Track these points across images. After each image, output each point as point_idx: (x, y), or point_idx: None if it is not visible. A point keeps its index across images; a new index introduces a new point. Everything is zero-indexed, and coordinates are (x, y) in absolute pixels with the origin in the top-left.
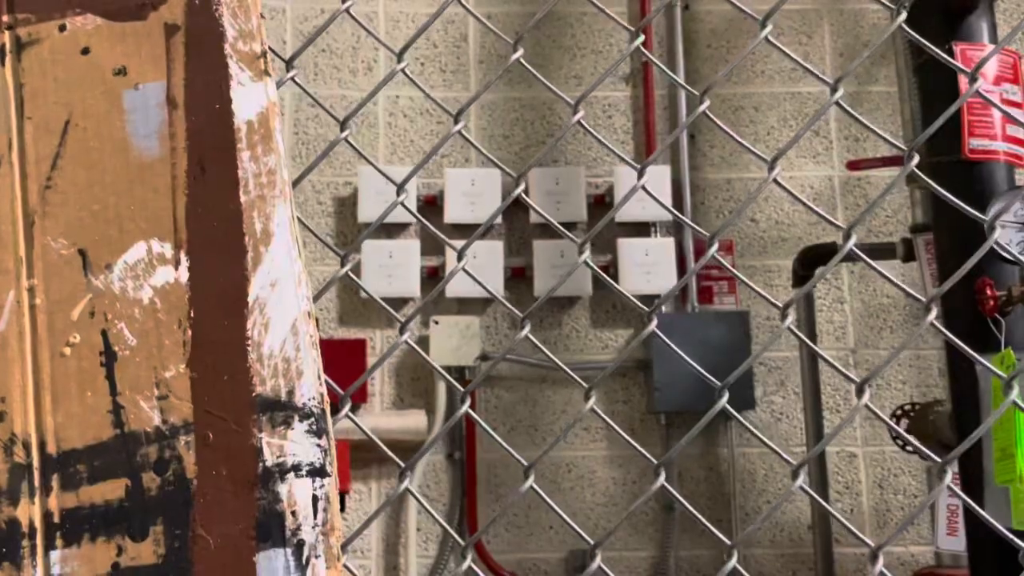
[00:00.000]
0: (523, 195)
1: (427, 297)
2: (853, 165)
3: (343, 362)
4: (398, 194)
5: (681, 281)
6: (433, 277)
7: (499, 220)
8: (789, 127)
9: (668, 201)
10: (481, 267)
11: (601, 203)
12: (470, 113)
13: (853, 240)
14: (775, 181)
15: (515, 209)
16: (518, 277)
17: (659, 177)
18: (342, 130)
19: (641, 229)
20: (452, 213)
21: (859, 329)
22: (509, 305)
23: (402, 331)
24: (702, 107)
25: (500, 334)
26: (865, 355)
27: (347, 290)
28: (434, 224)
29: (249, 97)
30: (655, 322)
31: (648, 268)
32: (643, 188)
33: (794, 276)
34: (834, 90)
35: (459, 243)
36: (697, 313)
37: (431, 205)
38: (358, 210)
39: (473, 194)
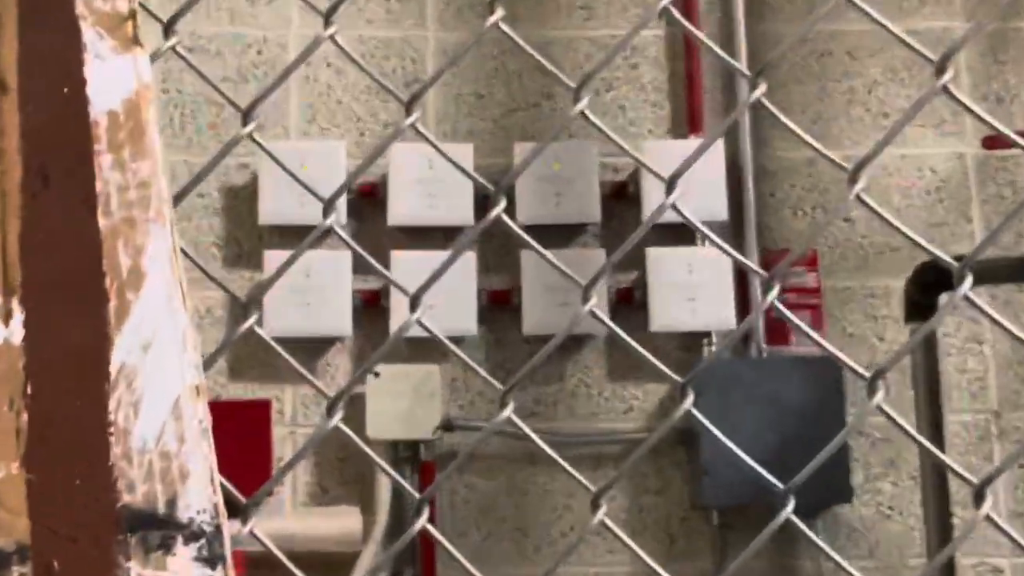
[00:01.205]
0: (504, 215)
1: (361, 371)
2: (991, 142)
3: (237, 436)
4: (326, 214)
5: (743, 325)
6: (372, 306)
7: (470, 220)
8: (900, 82)
9: (721, 193)
10: (444, 292)
11: (622, 195)
12: (427, 85)
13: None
14: (858, 198)
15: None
16: (499, 305)
17: (711, 161)
18: (245, 121)
19: (682, 233)
20: (400, 209)
21: (1006, 382)
22: (482, 372)
23: (330, 411)
24: (756, 93)
25: (472, 391)
26: (1014, 420)
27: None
28: (374, 224)
29: (112, 77)
30: (690, 399)
31: (692, 291)
32: (673, 206)
33: (907, 303)
34: (940, 70)
35: (408, 257)
36: (766, 359)
37: (370, 198)
38: (259, 207)
39: (431, 181)
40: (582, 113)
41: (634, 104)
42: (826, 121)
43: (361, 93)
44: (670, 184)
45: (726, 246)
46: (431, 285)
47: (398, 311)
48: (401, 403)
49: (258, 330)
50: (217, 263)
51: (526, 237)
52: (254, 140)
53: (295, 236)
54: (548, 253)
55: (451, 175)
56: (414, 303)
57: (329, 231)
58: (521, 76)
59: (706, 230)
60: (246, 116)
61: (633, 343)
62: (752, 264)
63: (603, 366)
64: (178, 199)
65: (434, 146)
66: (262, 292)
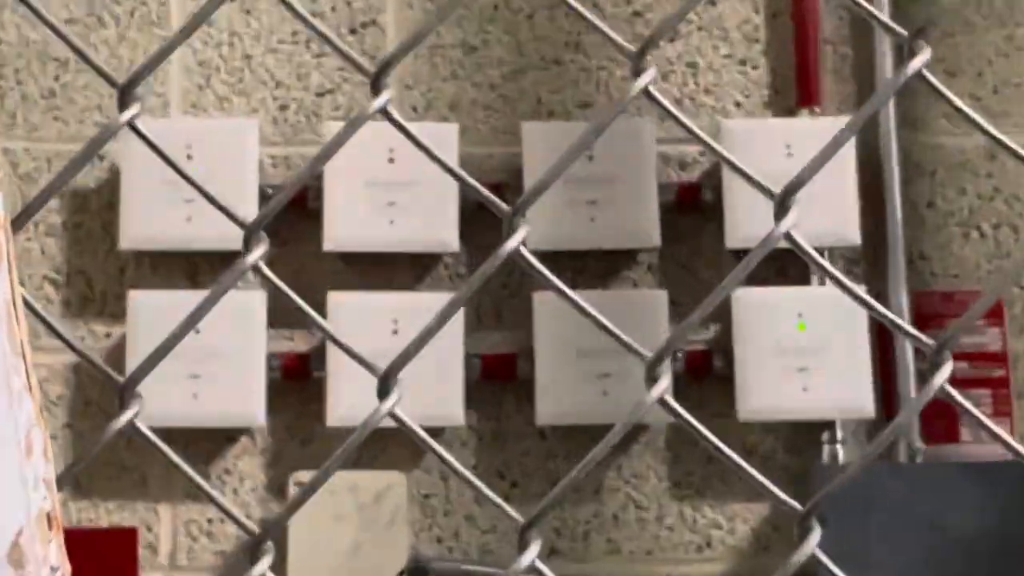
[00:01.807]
0: (525, 249)
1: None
2: None
3: None
4: (247, 246)
5: (892, 427)
6: (297, 378)
7: (453, 242)
8: None
9: (851, 203)
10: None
11: (691, 199)
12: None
13: None
14: None
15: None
16: (499, 377)
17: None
18: (122, 105)
19: (788, 262)
20: (341, 228)
21: None
22: (478, 484)
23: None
24: (917, 63)
25: (457, 513)
26: None
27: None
28: (300, 249)
29: None
30: (814, 537)
31: (804, 356)
32: (788, 237)
33: None
34: None
35: (354, 302)
36: (923, 465)
37: (292, 207)
38: (120, 223)
39: (392, 184)
40: (646, 93)
41: (712, 61)
42: (1014, 90)
43: (281, 43)
44: (782, 203)
45: (860, 292)
46: (412, 356)
47: (340, 387)
48: (343, 535)
49: (143, 428)
50: (54, 309)
51: (551, 278)
52: (138, 133)
53: (178, 269)
54: (578, 298)
55: (423, 173)
56: (385, 385)
57: (252, 271)
58: (532, 18)
59: (827, 265)
60: (125, 94)
61: (713, 439)
62: (905, 325)
63: (663, 475)
64: (18, 224)
65: (404, 132)
66: (148, 369)
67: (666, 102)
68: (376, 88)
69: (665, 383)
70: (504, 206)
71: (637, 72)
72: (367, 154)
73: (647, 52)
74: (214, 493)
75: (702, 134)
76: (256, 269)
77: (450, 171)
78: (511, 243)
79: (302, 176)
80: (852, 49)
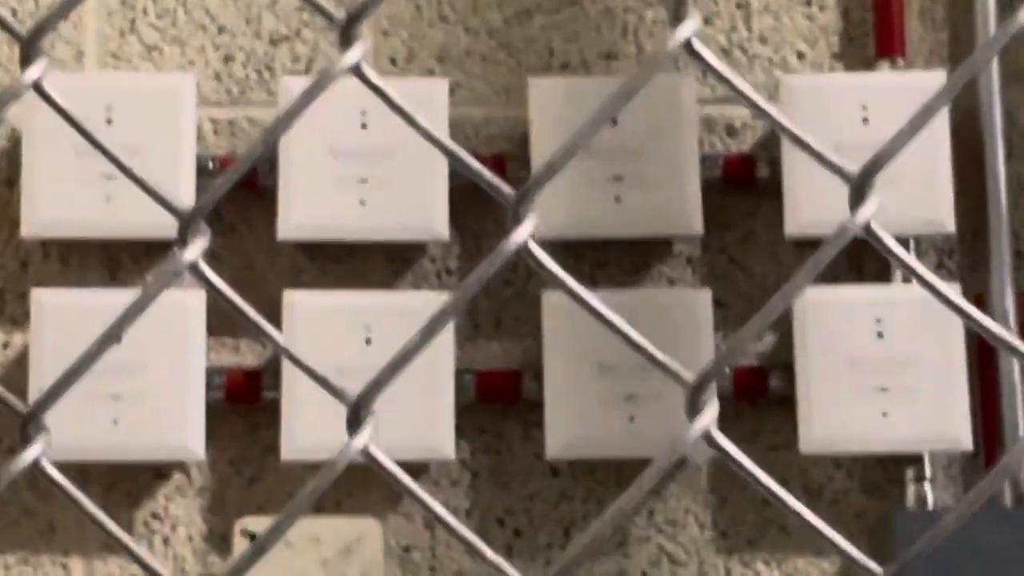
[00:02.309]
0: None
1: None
2: None
3: None
4: (183, 239)
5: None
6: (244, 400)
7: (443, 230)
8: None
9: (944, 182)
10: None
11: (742, 174)
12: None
13: None
14: None
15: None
16: (497, 399)
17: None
18: (25, 62)
19: (863, 255)
20: (301, 211)
21: None
22: (469, 535)
23: None
24: None
25: (446, 570)
26: None
27: None
28: (250, 237)
29: None
30: None
31: (883, 373)
32: (867, 229)
33: None
34: None
35: (317, 304)
36: None
37: (247, 186)
38: (21, 205)
39: (365, 154)
40: (688, 47)
41: (767, 1)
42: None
43: None
44: (859, 187)
45: (954, 295)
46: (388, 380)
47: (297, 411)
48: None
49: (49, 470)
50: None
51: (567, 280)
52: (46, 97)
53: (94, 261)
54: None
55: (404, 142)
56: (356, 416)
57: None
58: None
59: (916, 265)
60: (29, 49)
61: (767, 481)
62: (1009, 337)
63: (706, 521)
64: None
65: (383, 97)
66: (55, 395)
67: (712, 58)
68: (347, 40)
69: (711, 414)
70: (508, 190)
71: (678, 18)
72: (333, 117)
73: None
74: (133, 546)
75: (757, 97)
76: (195, 269)
77: (445, 149)
78: (516, 237)
79: (252, 152)
80: None
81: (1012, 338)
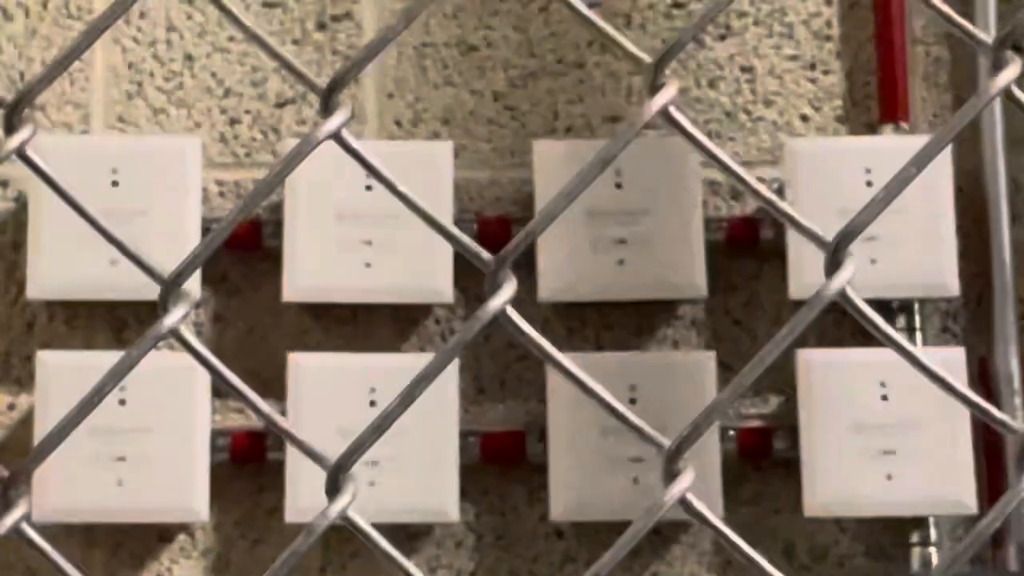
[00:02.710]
0: (513, 312)
1: None
2: None
3: None
4: (165, 301)
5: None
6: (249, 460)
7: (447, 292)
8: None
9: (949, 242)
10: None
11: (746, 237)
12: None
13: None
14: None
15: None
16: (502, 462)
17: (930, 183)
18: (9, 129)
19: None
20: (306, 273)
21: None
22: None
23: None
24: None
25: None
26: None
27: None
28: (255, 299)
29: None
30: None
31: (887, 436)
32: (844, 296)
33: None
34: None
35: (320, 365)
36: None
37: (246, 249)
38: (27, 266)
39: (369, 217)
40: (666, 114)
41: (774, 64)
42: None
43: (231, 41)
44: (833, 255)
45: (929, 363)
46: (367, 445)
47: (302, 473)
48: None
49: (30, 533)
50: None
51: (542, 343)
52: (28, 162)
53: (100, 323)
54: (590, 379)
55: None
56: (335, 480)
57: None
58: (547, 10)
59: (889, 330)
60: (13, 113)
61: (744, 546)
62: (989, 407)
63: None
64: None
65: (361, 160)
66: (38, 462)
67: (689, 125)
68: (328, 107)
69: (687, 481)
70: (487, 256)
71: (654, 88)
72: (338, 179)
73: (664, 64)
74: None
75: (734, 164)
76: (175, 334)
77: (424, 216)
78: (493, 304)
79: (233, 217)
80: (948, 50)
81: (991, 408)
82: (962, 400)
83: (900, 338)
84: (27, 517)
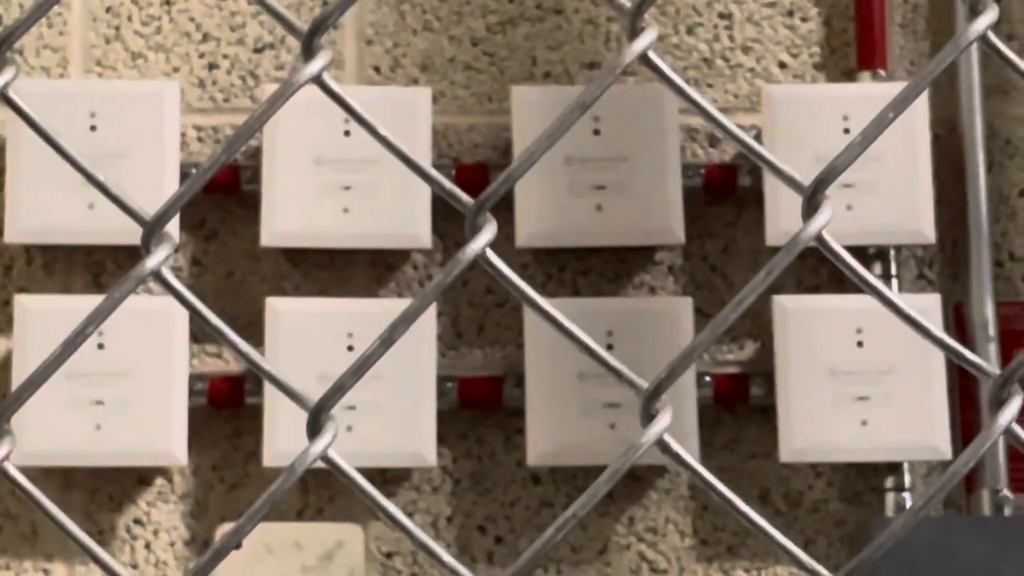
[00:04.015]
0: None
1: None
2: None
3: None
4: (148, 243)
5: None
6: (228, 405)
7: (425, 236)
8: None
9: (925, 191)
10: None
11: (723, 183)
12: None
13: None
14: None
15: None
16: (479, 407)
17: (907, 131)
18: None
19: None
20: (286, 218)
21: None
22: (445, 557)
23: None
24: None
25: (430, 574)
26: None
27: None
28: (233, 243)
29: None
30: None
31: (863, 383)
32: (820, 240)
33: None
34: None
35: (299, 309)
36: (1011, 520)
37: (225, 192)
38: (5, 210)
39: (348, 161)
40: (645, 59)
41: (752, 11)
42: None
43: None
44: (810, 199)
45: (906, 308)
46: (347, 387)
47: (279, 417)
48: None
49: (12, 472)
50: None
51: (523, 287)
52: (11, 104)
53: (78, 268)
54: (569, 322)
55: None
56: (316, 421)
57: (152, 278)
58: None
59: (866, 274)
60: None
61: (721, 487)
62: (962, 349)
63: (687, 529)
64: None
65: (343, 105)
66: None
67: (668, 71)
68: (308, 51)
69: (664, 422)
70: (466, 199)
71: (634, 33)
72: (316, 125)
73: (644, 8)
74: (107, 558)
75: (713, 110)
76: (158, 276)
77: (405, 159)
78: (473, 246)
79: (214, 161)
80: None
81: (965, 351)
82: (938, 344)
83: (876, 282)
84: (7, 457)
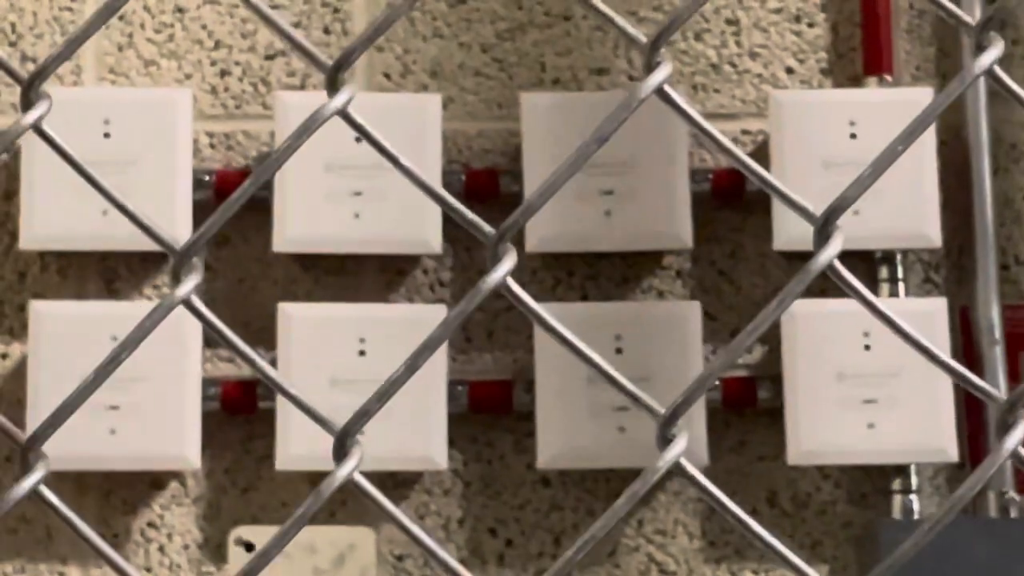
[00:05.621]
0: (513, 283)
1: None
2: None
3: None
4: (177, 273)
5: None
6: (240, 411)
7: (435, 243)
8: None
9: (931, 195)
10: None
11: (731, 188)
12: None
13: None
14: None
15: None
16: (489, 410)
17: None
18: (28, 99)
19: (848, 265)
20: (296, 224)
21: None
22: (449, 560)
23: None
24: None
25: None
26: None
27: None
28: (246, 248)
29: None
30: None
31: (869, 386)
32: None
33: None
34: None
35: (312, 315)
36: (1016, 523)
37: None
38: (20, 216)
39: (359, 168)
40: (661, 93)
41: (759, 17)
42: None
43: None
44: (822, 229)
45: (910, 330)
46: (371, 412)
47: (292, 421)
48: None
49: (48, 496)
50: None
51: (545, 317)
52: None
53: (92, 273)
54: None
55: (398, 155)
56: (342, 445)
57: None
58: None
59: (877, 303)
60: (29, 89)
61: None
62: (964, 370)
63: (695, 531)
64: None
65: (371, 140)
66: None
67: (684, 103)
68: (333, 84)
69: (680, 446)
70: (487, 229)
71: (650, 68)
72: (328, 131)
73: (660, 44)
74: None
75: (726, 140)
76: (188, 305)
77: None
78: (495, 275)
79: (243, 191)
80: (932, 3)
81: (967, 373)
82: (944, 368)
83: (886, 308)
84: (46, 480)
